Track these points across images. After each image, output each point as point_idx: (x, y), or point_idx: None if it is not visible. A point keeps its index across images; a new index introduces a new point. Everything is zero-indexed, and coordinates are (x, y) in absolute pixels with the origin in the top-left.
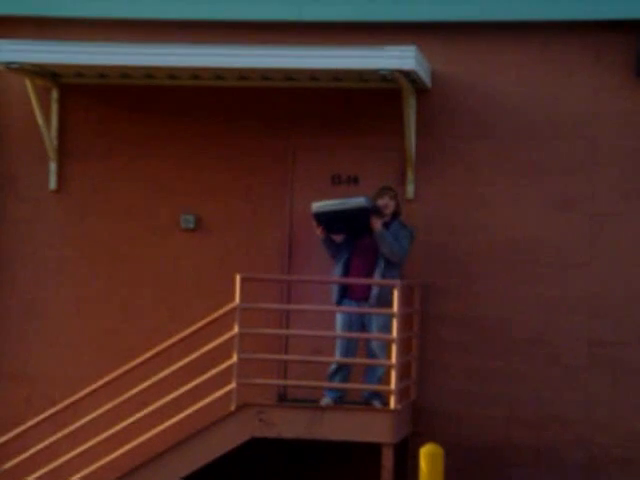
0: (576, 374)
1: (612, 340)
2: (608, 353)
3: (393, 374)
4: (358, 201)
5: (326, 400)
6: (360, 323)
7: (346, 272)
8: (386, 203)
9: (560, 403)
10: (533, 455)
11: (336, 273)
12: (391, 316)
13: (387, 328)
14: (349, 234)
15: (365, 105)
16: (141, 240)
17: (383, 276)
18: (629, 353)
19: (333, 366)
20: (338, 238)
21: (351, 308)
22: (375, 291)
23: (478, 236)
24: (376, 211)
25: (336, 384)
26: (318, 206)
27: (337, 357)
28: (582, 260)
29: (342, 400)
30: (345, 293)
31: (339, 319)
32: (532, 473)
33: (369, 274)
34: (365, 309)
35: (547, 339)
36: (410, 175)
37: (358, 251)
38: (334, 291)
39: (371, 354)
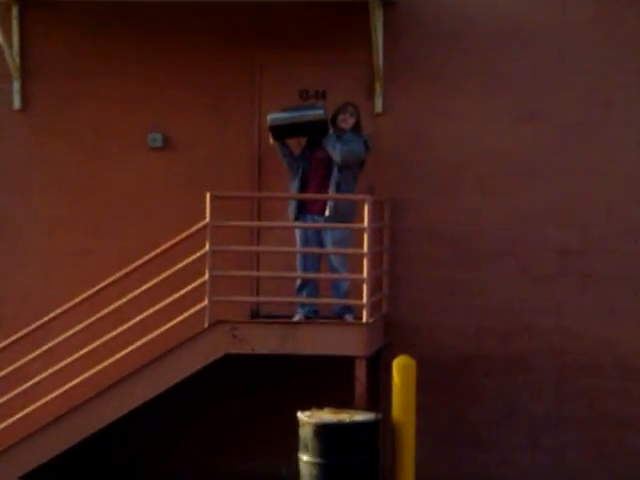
0: (545, 284)
1: (580, 249)
2: (576, 262)
3: (365, 288)
4: (316, 113)
5: (298, 316)
6: (317, 238)
7: (303, 186)
8: (345, 118)
9: (529, 313)
10: (504, 364)
11: (293, 188)
12: (351, 230)
13: (343, 241)
14: (307, 142)
15: (332, 19)
16: (108, 159)
17: (338, 184)
18: (597, 261)
19: (298, 281)
20: (297, 149)
21: (317, 224)
22: (331, 203)
23: (447, 149)
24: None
25: (306, 299)
26: (274, 118)
27: (298, 272)
28: (550, 171)
29: (316, 314)
30: (303, 208)
31: (297, 235)
32: (503, 382)
33: (325, 186)
34: (329, 224)
35: (515, 250)
36: (378, 89)
37: (313, 165)
38: (292, 206)
39: (332, 269)
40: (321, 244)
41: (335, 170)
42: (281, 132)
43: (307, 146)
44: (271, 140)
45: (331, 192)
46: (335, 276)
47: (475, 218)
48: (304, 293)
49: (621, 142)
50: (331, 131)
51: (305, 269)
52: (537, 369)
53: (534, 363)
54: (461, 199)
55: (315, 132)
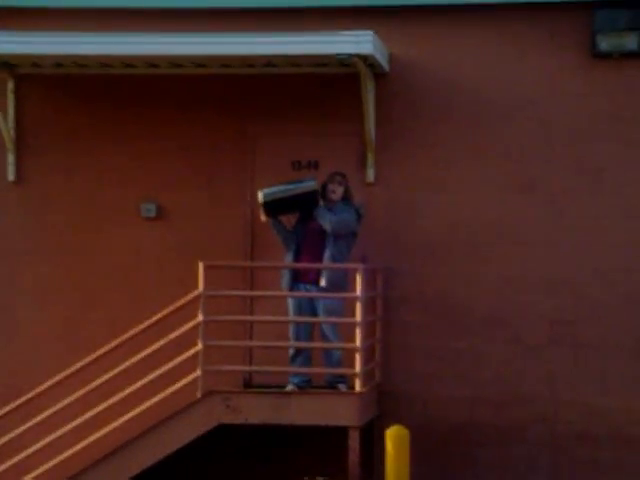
0: (537, 353)
1: (572, 318)
2: (568, 331)
3: (357, 357)
4: (308, 185)
5: (290, 385)
6: (311, 307)
7: (297, 258)
8: (334, 189)
9: (522, 382)
10: (497, 434)
11: (287, 260)
12: (344, 299)
13: (335, 311)
14: (300, 215)
15: (324, 90)
16: (102, 230)
17: (332, 256)
18: (589, 330)
19: (291, 351)
20: (289, 223)
21: (311, 293)
22: (326, 273)
23: (439, 218)
24: (322, 193)
25: (299, 369)
26: (267, 194)
27: (291, 342)
28: (541, 240)
29: (309, 384)
30: (296, 278)
31: (290, 304)
32: (497, 451)
33: (319, 257)
34: (321, 294)
35: (508, 319)
36: (370, 159)
37: (308, 236)
38: (285, 277)
39: (324, 338)
40: (314, 313)
41: (329, 241)
42: (273, 207)
43: (300, 220)
44: (263, 218)
45: (326, 263)
46: (327, 345)
47: (467, 287)
48: (297, 362)
49: (611, 211)
50: (321, 203)
51: (298, 338)
52: (531, 439)
53: (528, 433)
54: (453, 268)
55: (307, 205)
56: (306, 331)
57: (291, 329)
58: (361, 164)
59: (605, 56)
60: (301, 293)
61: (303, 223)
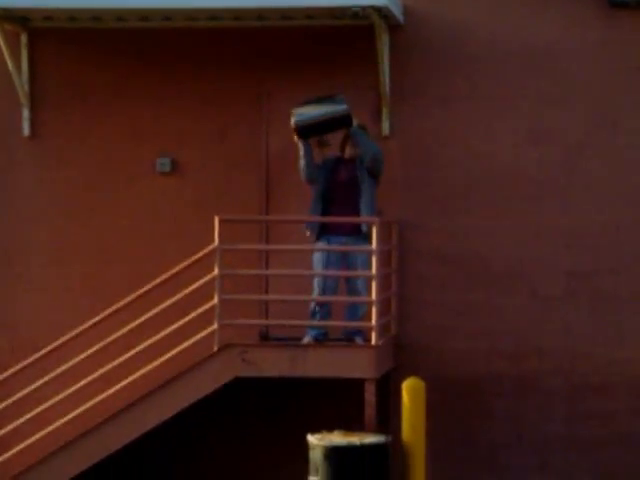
0: (554, 305)
1: (589, 270)
2: (585, 283)
3: (374, 310)
4: (341, 108)
5: (307, 338)
6: (339, 260)
7: (325, 207)
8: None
9: (539, 334)
10: (513, 385)
11: (315, 208)
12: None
13: (369, 263)
14: (324, 162)
15: (338, 43)
16: (117, 185)
17: (367, 201)
18: (606, 282)
19: (312, 305)
20: (318, 158)
21: (328, 247)
22: (365, 226)
23: (454, 171)
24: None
25: (316, 322)
26: (299, 120)
27: (315, 295)
28: (558, 191)
29: (326, 336)
30: (327, 230)
31: (317, 256)
32: (512, 403)
33: (352, 207)
34: (343, 247)
35: (524, 271)
36: (385, 112)
37: (337, 185)
38: (313, 224)
39: (355, 292)
40: (342, 266)
41: (364, 185)
42: (306, 131)
43: (326, 166)
44: (295, 139)
45: (363, 206)
46: (350, 299)
47: (483, 239)
48: (318, 317)
49: (628, 162)
50: (355, 123)
51: (324, 292)
52: (547, 390)
53: (544, 384)
54: (469, 220)
55: (340, 127)
56: (335, 285)
57: (317, 283)
58: (376, 117)
59: (622, 5)
60: (325, 247)
61: (331, 172)
